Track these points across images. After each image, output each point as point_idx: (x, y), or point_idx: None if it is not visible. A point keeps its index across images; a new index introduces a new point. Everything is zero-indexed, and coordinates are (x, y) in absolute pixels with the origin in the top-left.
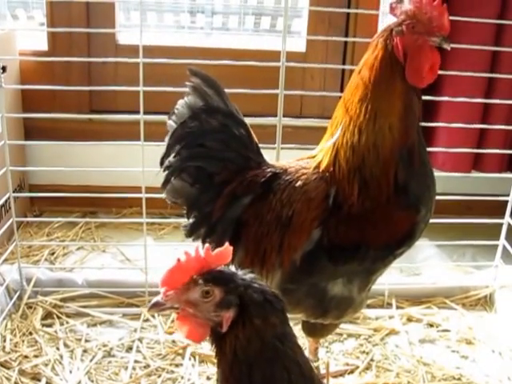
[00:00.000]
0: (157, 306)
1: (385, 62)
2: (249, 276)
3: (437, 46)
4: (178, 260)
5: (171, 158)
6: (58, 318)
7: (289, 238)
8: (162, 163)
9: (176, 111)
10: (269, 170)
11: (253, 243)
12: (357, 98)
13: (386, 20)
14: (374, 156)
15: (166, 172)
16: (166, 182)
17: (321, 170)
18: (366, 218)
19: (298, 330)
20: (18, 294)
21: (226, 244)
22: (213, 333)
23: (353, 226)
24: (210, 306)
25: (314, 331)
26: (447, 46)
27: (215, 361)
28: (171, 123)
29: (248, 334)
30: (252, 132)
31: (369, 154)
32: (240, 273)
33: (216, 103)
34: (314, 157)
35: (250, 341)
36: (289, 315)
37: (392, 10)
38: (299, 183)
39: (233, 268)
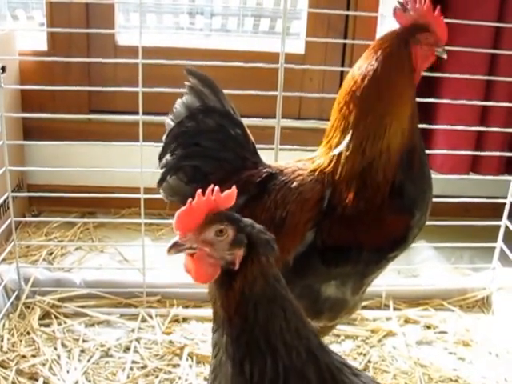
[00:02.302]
0: (176, 247)
1: (404, 69)
2: (248, 220)
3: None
4: (190, 203)
5: (168, 157)
6: (56, 317)
7: (282, 240)
8: (159, 161)
9: (174, 110)
10: (265, 170)
11: None
12: (368, 103)
13: (384, 22)
14: (385, 159)
15: (163, 170)
16: (162, 180)
17: (319, 171)
18: (359, 221)
19: None
20: (15, 293)
21: (233, 187)
22: (222, 273)
23: (346, 228)
24: (225, 245)
25: None
26: (445, 56)
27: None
28: (169, 122)
29: (255, 272)
30: (248, 132)
31: (380, 158)
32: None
33: (213, 103)
34: (313, 159)
35: (255, 279)
36: None
37: (398, 16)
38: (295, 184)
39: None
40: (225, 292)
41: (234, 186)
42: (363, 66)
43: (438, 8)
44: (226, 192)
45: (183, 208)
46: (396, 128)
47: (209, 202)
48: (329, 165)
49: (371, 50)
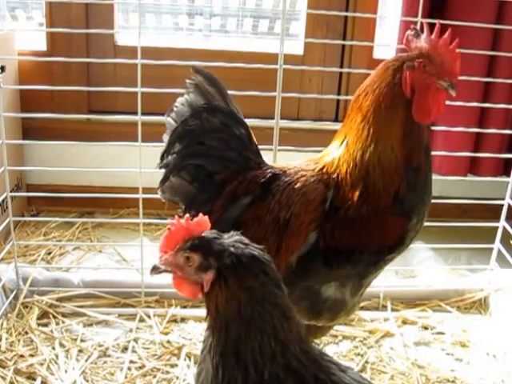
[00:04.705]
0: (155, 270)
1: (388, 90)
2: (232, 239)
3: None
4: (169, 228)
5: (170, 156)
6: (54, 317)
7: (286, 241)
8: (161, 160)
9: (175, 109)
10: (268, 170)
11: None
12: (359, 119)
13: (383, 24)
14: (379, 171)
15: (165, 170)
16: (165, 179)
17: (324, 172)
18: (361, 223)
19: None
20: (14, 293)
21: (200, 214)
22: (202, 290)
23: (349, 231)
24: (192, 270)
25: (308, 333)
26: (453, 93)
27: None
28: (170, 121)
29: (225, 295)
30: (252, 132)
31: (374, 169)
32: (225, 236)
33: (217, 102)
34: (318, 159)
35: (227, 301)
36: None
37: (407, 42)
38: (298, 185)
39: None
40: (206, 306)
41: (201, 215)
42: (367, 82)
43: (456, 41)
44: (196, 219)
45: (166, 232)
46: (384, 146)
47: (181, 230)
48: (332, 167)
49: (377, 70)
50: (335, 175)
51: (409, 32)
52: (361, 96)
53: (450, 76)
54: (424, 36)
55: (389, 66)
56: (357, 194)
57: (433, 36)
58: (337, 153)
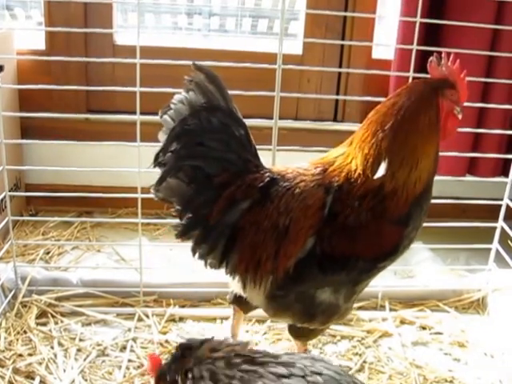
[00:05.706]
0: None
1: (432, 114)
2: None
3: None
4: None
5: (168, 156)
6: (53, 316)
7: (285, 247)
8: (156, 159)
9: (173, 106)
10: (267, 174)
11: (248, 250)
12: (380, 134)
13: (382, 24)
14: (400, 191)
15: (163, 170)
16: (162, 180)
17: (325, 175)
18: (359, 229)
19: (286, 334)
20: (12, 292)
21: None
22: None
23: (346, 238)
24: None
25: (300, 335)
26: (460, 116)
27: None
28: (167, 119)
29: None
30: (250, 133)
31: (402, 189)
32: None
33: (217, 101)
34: (320, 163)
35: None
36: (277, 319)
37: (431, 68)
38: (297, 191)
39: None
40: None
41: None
42: (399, 101)
43: (465, 71)
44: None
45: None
46: (424, 164)
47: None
48: (335, 172)
49: (404, 90)
50: (338, 180)
51: (432, 58)
52: (388, 113)
53: (462, 103)
54: (444, 63)
55: (423, 91)
56: (360, 198)
57: (449, 63)
58: (380, 172)
